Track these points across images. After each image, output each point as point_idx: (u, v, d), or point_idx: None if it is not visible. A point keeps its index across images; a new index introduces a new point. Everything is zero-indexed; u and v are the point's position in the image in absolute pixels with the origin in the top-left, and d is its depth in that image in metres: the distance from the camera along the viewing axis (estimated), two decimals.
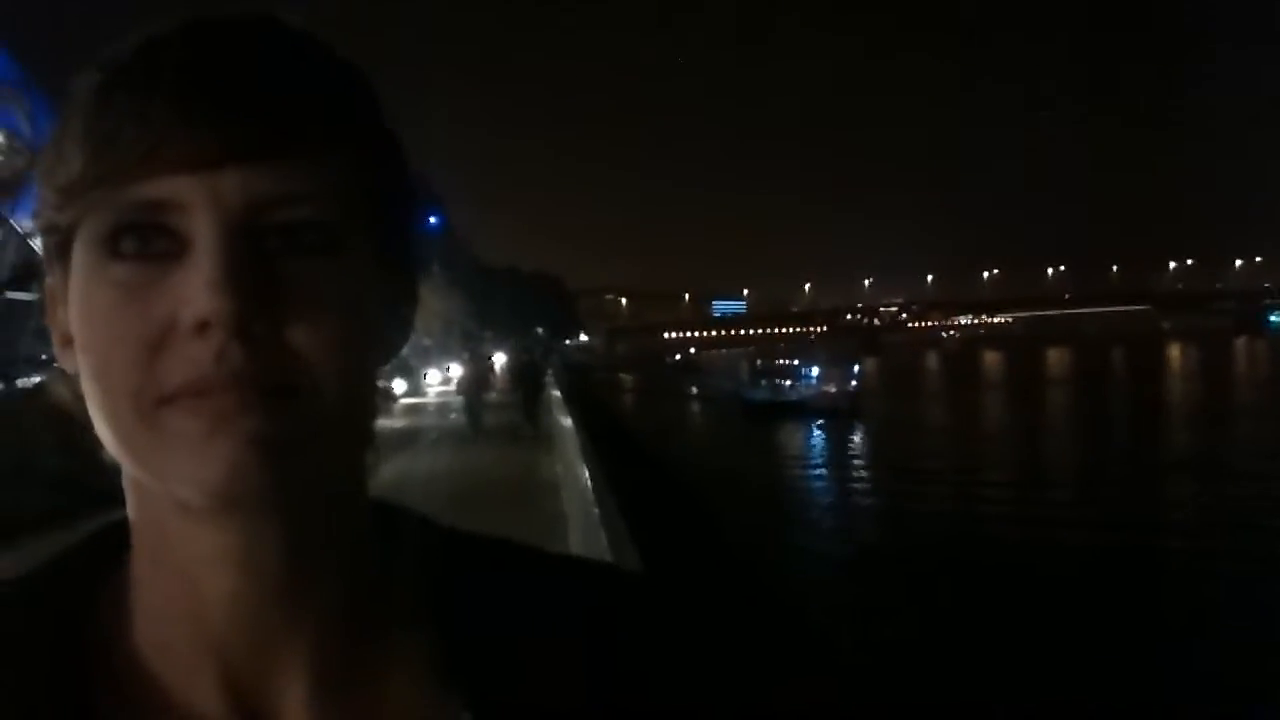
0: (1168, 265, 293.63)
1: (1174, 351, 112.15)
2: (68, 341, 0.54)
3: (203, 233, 0.49)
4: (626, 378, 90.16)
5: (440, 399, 28.20)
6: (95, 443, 0.54)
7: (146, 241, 0.50)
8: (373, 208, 0.54)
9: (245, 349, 0.48)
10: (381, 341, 0.56)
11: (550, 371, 29.82)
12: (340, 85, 0.53)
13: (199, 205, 0.49)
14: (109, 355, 0.50)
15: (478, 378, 21.66)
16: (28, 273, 19.64)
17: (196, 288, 0.48)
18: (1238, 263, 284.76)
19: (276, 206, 0.50)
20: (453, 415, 21.20)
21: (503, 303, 62.32)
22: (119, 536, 0.58)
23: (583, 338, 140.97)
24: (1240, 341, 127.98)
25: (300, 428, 0.49)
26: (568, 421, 14.93)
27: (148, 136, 0.48)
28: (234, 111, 0.48)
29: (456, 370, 29.04)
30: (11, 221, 19.26)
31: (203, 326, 0.48)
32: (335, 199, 0.51)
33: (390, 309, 0.57)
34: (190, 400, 0.48)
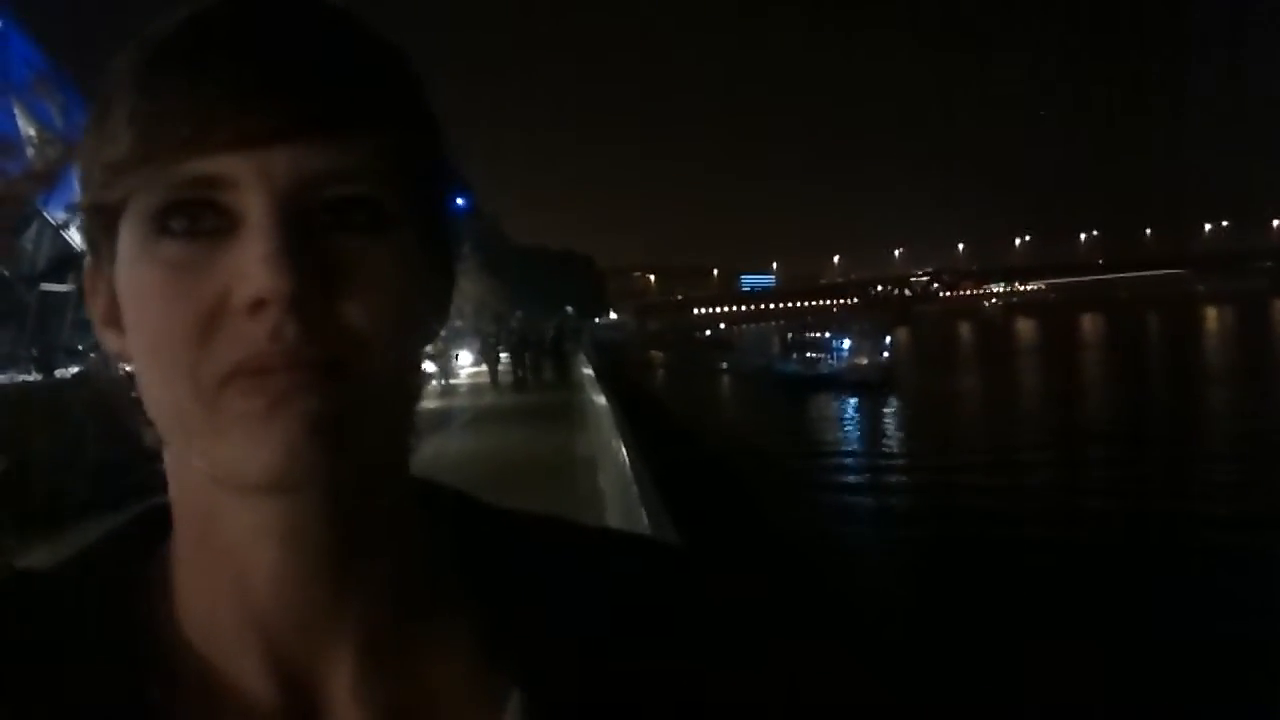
0: (1203, 227, 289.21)
1: (1210, 314, 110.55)
2: (110, 321, 0.55)
3: (254, 209, 0.48)
4: (657, 355, 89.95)
5: (472, 380, 28.27)
6: (136, 431, 0.54)
7: (196, 219, 0.49)
8: (417, 187, 0.54)
9: (300, 327, 0.48)
10: (425, 321, 0.56)
11: (581, 356, 31.37)
12: (386, 63, 0.54)
13: (250, 182, 0.48)
14: (161, 334, 0.50)
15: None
16: (63, 264, 19.85)
17: (251, 265, 0.48)
18: (1275, 223, 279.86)
19: (327, 183, 0.50)
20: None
21: (532, 283, 62.34)
22: (161, 518, 0.58)
23: (613, 315, 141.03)
24: (1279, 303, 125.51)
25: (352, 406, 0.49)
26: (601, 399, 14.93)
27: (198, 113, 0.48)
28: (285, 88, 0.49)
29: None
30: (45, 214, 19.46)
31: (257, 305, 0.48)
32: (383, 177, 0.51)
33: (432, 289, 0.57)
34: (246, 380, 0.48)
